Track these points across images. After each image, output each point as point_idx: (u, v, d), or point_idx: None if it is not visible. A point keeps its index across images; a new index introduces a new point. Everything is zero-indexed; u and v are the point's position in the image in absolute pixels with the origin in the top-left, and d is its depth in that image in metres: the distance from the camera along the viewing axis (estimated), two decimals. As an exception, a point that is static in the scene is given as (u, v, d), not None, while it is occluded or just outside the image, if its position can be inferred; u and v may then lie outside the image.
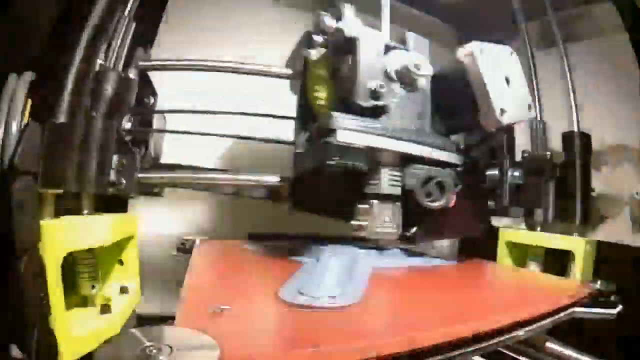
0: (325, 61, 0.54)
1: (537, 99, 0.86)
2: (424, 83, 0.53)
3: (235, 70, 0.67)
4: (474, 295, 0.49)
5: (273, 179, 0.64)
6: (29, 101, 0.38)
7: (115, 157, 0.51)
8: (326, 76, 0.54)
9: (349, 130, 0.46)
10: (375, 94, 0.48)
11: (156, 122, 0.66)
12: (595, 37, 0.93)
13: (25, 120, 0.37)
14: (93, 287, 0.48)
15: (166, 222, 0.84)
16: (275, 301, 0.37)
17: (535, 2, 0.90)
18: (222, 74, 0.68)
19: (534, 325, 0.40)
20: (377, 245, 0.62)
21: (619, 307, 0.48)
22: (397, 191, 0.51)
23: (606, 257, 0.75)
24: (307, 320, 0.34)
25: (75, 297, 0.47)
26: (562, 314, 0.44)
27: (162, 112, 0.66)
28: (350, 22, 0.50)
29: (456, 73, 0.50)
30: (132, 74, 0.55)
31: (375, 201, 0.50)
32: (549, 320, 0.42)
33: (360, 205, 0.52)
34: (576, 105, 0.84)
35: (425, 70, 0.51)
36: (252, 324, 0.32)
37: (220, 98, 0.72)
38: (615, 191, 0.87)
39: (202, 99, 0.70)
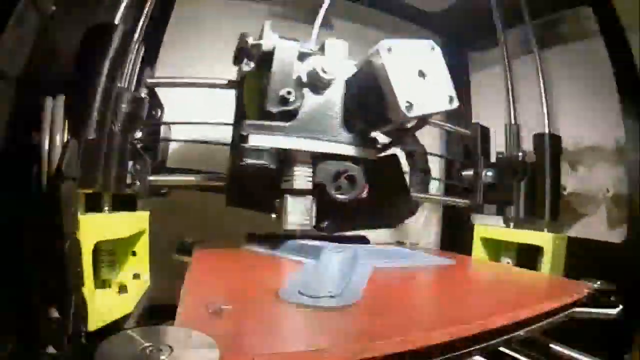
0: (254, 74, 0.60)
1: (511, 104, 0.92)
2: (335, 84, 0.56)
3: (189, 85, 0.75)
4: (473, 295, 0.49)
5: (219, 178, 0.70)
6: (66, 120, 0.46)
7: (130, 163, 0.60)
8: (255, 87, 0.59)
9: (260, 135, 0.52)
10: (283, 100, 0.53)
11: (163, 132, 0.75)
12: (572, 41, 0.96)
13: (66, 136, 0.46)
14: (111, 272, 0.58)
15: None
16: (275, 301, 0.37)
17: (517, 10, 0.94)
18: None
19: (534, 325, 0.40)
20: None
21: (619, 307, 0.48)
22: (309, 186, 0.56)
23: (582, 253, 0.79)
24: (307, 320, 0.34)
25: (97, 280, 0.56)
26: (562, 314, 0.44)
27: (168, 123, 0.76)
28: (267, 37, 0.55)
29: (367, 72, 0.52)
30: (143, 93, 0.63)
31: (288, 196, 0.56)
32: (549, 320, 0.42)
33: (276, 200, 0.59)
34: (548, 107, 0.89)
35: (332, 73, 0.55)
36: (252, 324, 0.32)
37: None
38: (591, 190, 0.90)
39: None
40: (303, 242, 0.60)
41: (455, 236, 1.12)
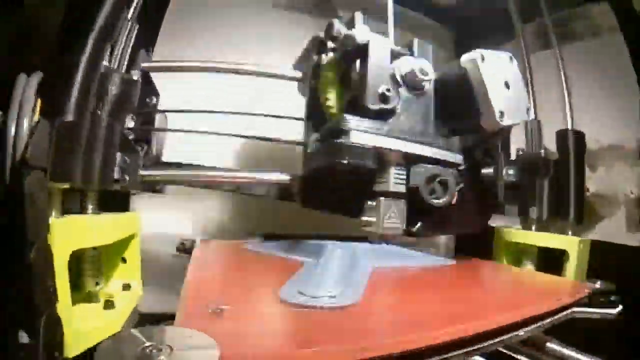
0: (335, 65, 0.57)
1: (532, 99, 0.87)
2: (428, 87, 0.56)
3: (248, 73, 0.70)
4: (473, 295, 0.49)
5: (283, 177, 0.66)
6: (39, 100, 0.39)
7: (119, 155, 0.53)
8: (335, 80, 0.57)
9: (361, 132, 0.50)
10: (383, 98, 0.51)
11: (158, 122, 0.68)
12: (591, 37, 0.94)
13: (36, 118, 0.39)
14: (97, 283, 0.51)
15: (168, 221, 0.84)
16: (275, 301, 0.37)
17: (532, 4, 0.91)
18: (222, 74, 0.70)
19: (534, 325, 0.40)
20: (378, 241, 0.64)
21: (619, 307, 0.48)
22: (403, 189, 0.54)
23: (601, 256, 0.76)
24: (307, 320, 0.34)
25: (80, 293, 0.49)
26: (562, 314, 0.44)
27: (163, 111, 0.68)
28: (360, 29, 0.53)
29: (459, 77, 0.52)
30: (136, 76, 0.57)
31: (382, 198, 0.53)
32: (549, 320, 0.42)
33: (369, 202, 0.55)
34: (570, 104, 0.85)
35: (430, 75, 0.55)
36: (252, 324, 0.32)
37: (222, 97, 0.74)
38: (610, 191, 0.87)
39: (208, 98, 0.73)
40: (303, 241, 0.60)
41: (470, 237, 1.09)
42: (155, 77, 0.68)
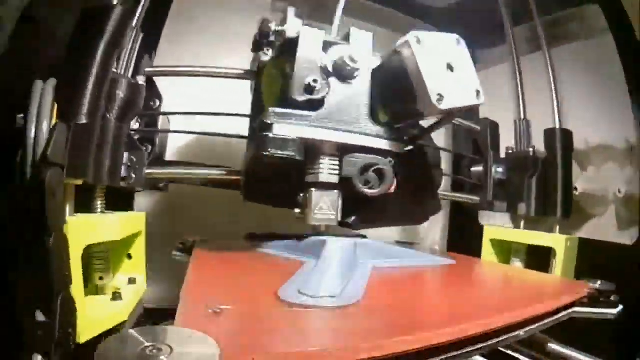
0: (274, 62, 0.57)
1: (521, 99, 0.91)
2: (362, 75, 0.54)
3: (204, 75, 0.73)
4: (473, 295, 0.49)
5: (220, 172, 0.69)
6: (55, 104, 0.43)
7: (126, 154, 0.57)
8: (276, 76, 0.57)
9: (284, 124, 0.49)
10: (309, 89, 0.50)
11: (161, 123, 0.72)
12: (580, 39, 0.95)
13: (54, 120, 0.42)
14: (104, 277, 0.54)
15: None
16: (275, 301, 0.37)
17: (523, 6, 0.93)
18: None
19: (534, 325, 0.40)
20: (378, 241, 0.64)
21: (619, 307, 0.48)
22: (336, 180, 0.54)
23: (591, 255, 0.77)
24: (307, 320, 0.34)
25: (89, 286, 0.52)
26: (562, 314, 0.44)
27: (166, 114, 0.72)
28: (291, 24, 0.52)
29: (395, 62, 0.50)
30: (141, 81, 0.60)
31: (313, 189, 0.54)
32: (549, 320, 0.42)
33: (300, 194, 0.55)
34: (558, 103, 0.86)
35: (360, 62, 0.52)
36: (252, 324, 0.32)
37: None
38: (600, 190, 0.88)
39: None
40: (303, 241, 0.60)
41: (462, 236, 1.10)
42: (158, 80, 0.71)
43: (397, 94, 0.52)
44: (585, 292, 0.48)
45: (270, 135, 0.48)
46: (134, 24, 0.56)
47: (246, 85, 0.74)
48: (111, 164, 0.52)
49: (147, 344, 0.24)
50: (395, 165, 0.55)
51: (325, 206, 0.54)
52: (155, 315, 0.50)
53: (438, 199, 0.75)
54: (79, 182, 0.47)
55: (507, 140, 0.89)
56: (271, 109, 0.50)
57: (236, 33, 0.85)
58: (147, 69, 0.64)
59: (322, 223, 0.55)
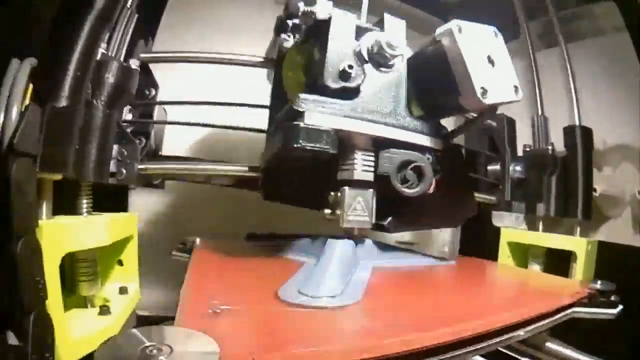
0: (298, 46, 0.52)
1: (538, 95, 0.86)
2: (398, 63, 0.50)
3: (216, 62, 0.67)
4: (473, 295, 0.49)
5: (240, 169, 0.63)
6: (31, 85, 0.37)
7: (115, 147, 0.51)
8: (301, 62, 0.52)
9: (317, 113, 0.44)
10: (344, 75, 0.46)
11: (157, 114, 0.66)
12: (596, 36, 0.93)
13: (26, 103, 0.37)
14: (92, 287, 0.48)
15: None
16: (275, 301, 0.37)
17: (537, 2, 0.91)
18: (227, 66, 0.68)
19: (534, 325, 0.40)
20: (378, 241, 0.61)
21: (619, 307, 0.48)
22: (371, 177, 0.48)
23: (608, 258, 0.75)
24: (307, 320, 0.34)
25: (74, 297, 0.47)
26: (562, 314, 0.44)
27: (162, 103, 0.66)
28: (322, 5, 0.48)
29: (434, 52, 0.47)
30: (134, 65, 0.54)
31: (346, 188, 0.48)
32: (549, 320, 0.42)
33: (332, 193, 0.50)
34: (577, 100, 0.83)
35: (398, 50, 0.48)
36: (252, 324, 0.32)
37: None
38: (617, 191, 0.86)
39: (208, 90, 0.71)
40: (303, 241, 0.59)
41: (474, 238, 1.03)
42: (155, 69, 0.66)
43: (434, 85, 0.48)
44: (585, 292, 0.48)
45: (302, 124, 0.43)
46: (128, 2, 0.51)
47: (245, 79, 0.72)
48: (98, 157, 0.45)
49: (147, 344, 0.24)
50: (433, 163, 0.50)
51: (359, 207, 0.48)
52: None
53: (475, 199, 0.69)
54: (57, 177, 0.40)
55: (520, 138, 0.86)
56: (302, 95, 0.44)
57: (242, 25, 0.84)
58: (145, 55, 0.59)
59: (356, 226, 0.49)
